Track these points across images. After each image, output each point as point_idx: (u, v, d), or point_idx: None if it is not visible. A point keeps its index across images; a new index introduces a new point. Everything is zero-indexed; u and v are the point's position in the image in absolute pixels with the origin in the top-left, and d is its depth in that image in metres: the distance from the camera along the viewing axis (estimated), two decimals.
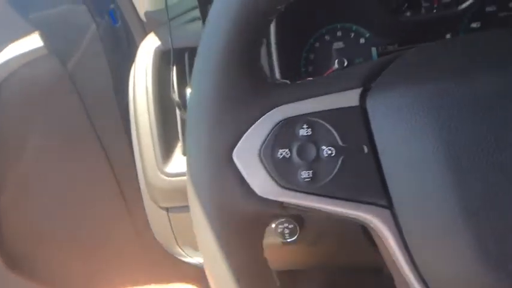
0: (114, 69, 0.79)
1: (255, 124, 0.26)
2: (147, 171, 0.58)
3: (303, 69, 0.65)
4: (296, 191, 0.25)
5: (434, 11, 0.60)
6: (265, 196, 0.25)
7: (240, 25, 0.25)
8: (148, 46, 0.60)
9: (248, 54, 0.26)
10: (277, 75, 0.53)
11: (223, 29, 0.25)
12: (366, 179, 0.25)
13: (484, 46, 0.26)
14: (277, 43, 0.54)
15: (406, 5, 0.62)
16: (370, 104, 0.25)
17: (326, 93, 0.26)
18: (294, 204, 0.26)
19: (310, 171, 0.25)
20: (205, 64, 0.26)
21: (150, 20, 0.65)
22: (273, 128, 0.25)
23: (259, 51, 0.27)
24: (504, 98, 0.23)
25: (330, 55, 0.64)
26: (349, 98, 0.26)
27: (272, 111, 0.26)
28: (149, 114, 0.57)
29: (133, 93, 0.58)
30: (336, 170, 0.25)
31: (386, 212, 0.24)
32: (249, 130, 0.26)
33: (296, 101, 0.26)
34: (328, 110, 0.26)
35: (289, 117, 0.26)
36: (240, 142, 0.25)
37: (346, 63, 0.63)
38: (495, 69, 0.24)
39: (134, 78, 0.59)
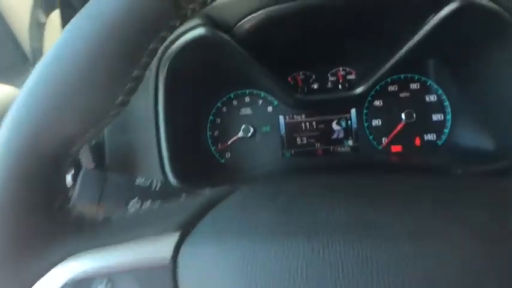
0: None
1: (42, 279, 0.21)
2: None
3: (209, 133, 0.62)
4: None
5: (340, 87, 0.59)
6: None
7: (33, 158, 0.21)
8: None
9: (44, 192, 0.22)
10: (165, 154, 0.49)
11: (11, 159, 0.21)
12: None
13: (299, 204, 0.24)
14: (171, 112, 0.50)
15: (314, 77, 0.61)
16: (181, 258, 0.22)
17: (137, 238, 0.22)
18: None
19: None
20: None
21: None
22: (63, 285, 0.21)
23: (62, 186, 0.23)
24: (303, 266, 0.20)
25: (236, 121, 0.62)
26: (162, 249, 0.22)
27: (64, 263, 0.21)
28: None
29: None
30: None
31: None
32: (34, 285, 0.21)
33: (98, 247, 0.22)
34: (136, 262, 0.22)
35: (84, 271, 0.21)
36: None
37: (252, 131, 0.61)
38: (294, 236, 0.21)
39: None
